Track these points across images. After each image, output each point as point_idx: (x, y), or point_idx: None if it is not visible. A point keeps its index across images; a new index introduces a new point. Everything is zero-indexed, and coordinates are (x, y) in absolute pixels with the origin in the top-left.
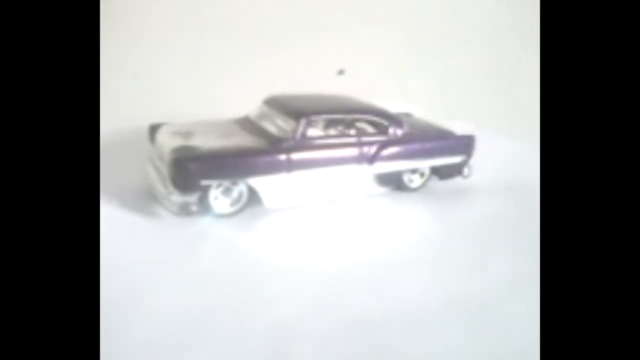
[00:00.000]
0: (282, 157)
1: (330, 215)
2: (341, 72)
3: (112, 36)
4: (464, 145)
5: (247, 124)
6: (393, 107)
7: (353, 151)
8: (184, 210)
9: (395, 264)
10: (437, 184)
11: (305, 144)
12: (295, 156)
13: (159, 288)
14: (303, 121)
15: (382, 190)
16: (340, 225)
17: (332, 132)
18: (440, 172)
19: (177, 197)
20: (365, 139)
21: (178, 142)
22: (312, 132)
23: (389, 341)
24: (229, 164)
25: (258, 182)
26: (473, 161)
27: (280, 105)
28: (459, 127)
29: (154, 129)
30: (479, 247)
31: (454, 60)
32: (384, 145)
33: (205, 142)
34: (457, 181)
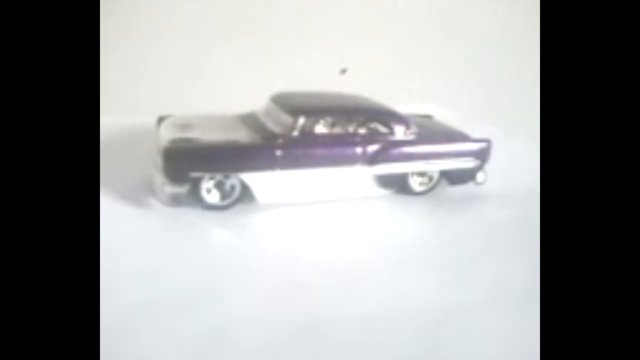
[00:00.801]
0: (277, 153)
1: (324, 216)
2: (343, 71)
3: (113, 31)
4: (478, 149)
5: (249, 120)
6: (426, 110)
7: (353, 151)
8: (174, 201)
9: (376, 268)
10: (447, 189)
11: (302, 141)
12: (291, 154)
13: (125, 277)
14: (300, 119)
15: (384, 192)
16: (331, 226)
17: (333, 130)
18: (451, 177)
19: (168, 188)
20: (367, 139)
21: (175, 134)
22: (312, 130)
23: (344, 348)
24: (219, 157)
25: (251, 177)
26: (494, 167)
27: (283, 101)
28: (487, 132)
29: (161, 121)
30: (473, 258)
31: (459, 58)
32: (387, 146)
33: (201, 135)
34: (469, 187)
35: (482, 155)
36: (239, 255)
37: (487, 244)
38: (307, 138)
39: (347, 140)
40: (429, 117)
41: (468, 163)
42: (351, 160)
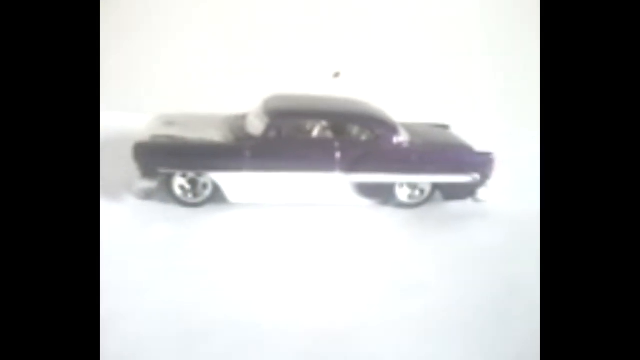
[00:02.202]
0: (246, 154)
1: (291, 219)
2: (337, 75)
3: (114, 31)
4: (477, 163)
5: (237, 121)
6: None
7: (330, 157)
8: (145, 195)
9: (305, 275)
10: (446, 203)
11: (273, 144)
12: (260, 155)
13: None
14: (274, 121)
15: (365, 202)
16: (290, 230)
17: (312, 135)
18: (445, 191)
19: (139, 182)
20: (347, 145)
21: (156, 130)
22: (288, 133)
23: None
24: (186, 154)
25: (220, 177)
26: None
27: (267, 103)
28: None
29: None
30: (412, 280)
31: (456, 63)
32: (368, 154)
33: (179, 132)
34: (468, 204)
35: (482, 170)
36: (165, 250)
37: (440, 269)
38: (280, 141)
39: (325, 145)
40: (444, 127)
41: (462, 178)
42: (328, 166)
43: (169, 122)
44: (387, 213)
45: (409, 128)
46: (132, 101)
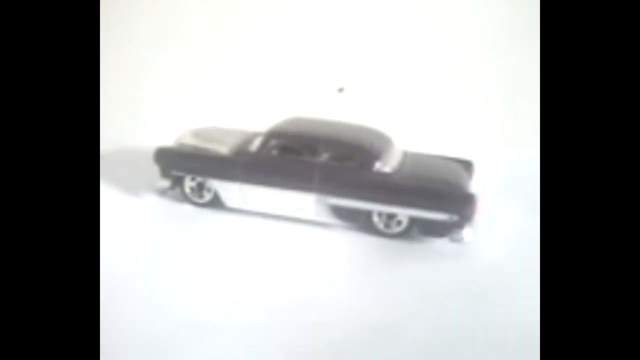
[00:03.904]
0: (238, 168)
1: (274, 231)
2: (341, 90)
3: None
4: (456, 202)
5: (250, 137)
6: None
7: (309, 178)
8: (161, 193)
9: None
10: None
11: (261, 161)
12: (249, 170)
13: None
14: (268, 140)
15: (339, 223)
16: (271, 242)
17: (299, 157)
18: (421, 226)
19: (158, 181)
20: (326, 169)
21: (183, 139)
22: (278, 152)
23: None
24: (190, 162)
25: (218, 184)
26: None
27: (274, 124)
28: None
29: None
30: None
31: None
32: (345, 178)
33: (197, 142)
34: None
35: (460, 210)
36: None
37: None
38: (266, 159)
39: (305, 167)
40: (466, 163)
41: (437, 215)
42: (305, 187)
43: (196, 133)
44: (361, 239)
45: (410, 158)
46: (131, 101)
